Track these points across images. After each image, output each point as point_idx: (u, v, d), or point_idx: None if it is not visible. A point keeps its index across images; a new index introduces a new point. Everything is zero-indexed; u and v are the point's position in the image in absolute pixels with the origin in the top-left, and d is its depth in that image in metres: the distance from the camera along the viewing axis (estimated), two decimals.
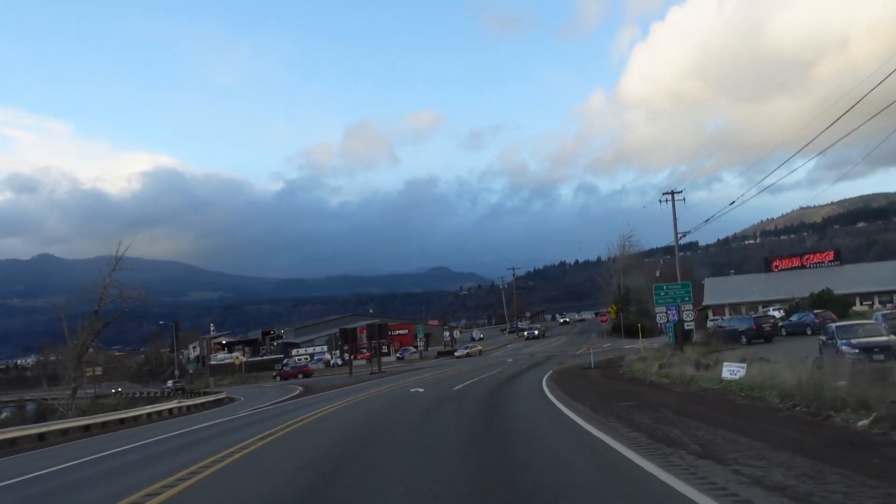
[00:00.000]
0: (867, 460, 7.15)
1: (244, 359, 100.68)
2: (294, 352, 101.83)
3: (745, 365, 17.70)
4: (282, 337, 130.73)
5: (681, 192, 53.02)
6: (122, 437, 21.20)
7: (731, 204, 40.22)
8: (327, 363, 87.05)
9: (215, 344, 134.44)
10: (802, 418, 11.48)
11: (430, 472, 8.55)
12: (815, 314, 43.80)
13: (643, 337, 77.00)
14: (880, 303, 70.96)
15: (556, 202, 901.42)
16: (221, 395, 47.94)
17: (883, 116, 19.40)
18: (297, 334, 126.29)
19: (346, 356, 73.49)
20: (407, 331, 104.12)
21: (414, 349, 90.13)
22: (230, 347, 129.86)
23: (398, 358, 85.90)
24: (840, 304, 50.73)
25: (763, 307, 70.59)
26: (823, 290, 53.32)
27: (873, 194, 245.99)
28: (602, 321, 61.36)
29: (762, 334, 41.66)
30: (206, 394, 54.75)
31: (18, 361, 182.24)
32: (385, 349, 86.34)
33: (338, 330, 78.65)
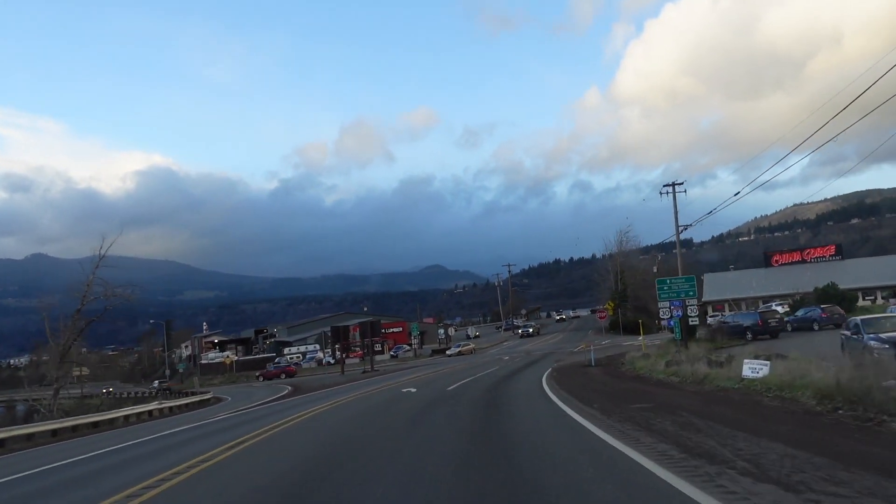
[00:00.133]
0: None
1: (235, 358, 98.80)
2: (286, 350, 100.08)
3: (768, 362, 16.12)
4: (275, 336, 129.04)
5: (682, 183, 51.56)
6: (84, 445, 19.53)
7: (736, 195, 38.82)
8: (320, 362, 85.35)
9: (206, 343, 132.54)
10: (850, 424, 9.88)
11: (419, 496, 6.91)
12: (822, 309, 42.29)
13: (639, 334, 75.85)
14: (883, 298, 69.67)
15: (551, 200, 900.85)
16: (207, 396, 46.21)
17: (876, 113, 19.21)
18: (290, 333, 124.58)
19: (339, 354, 71.78)
20: (401, 329, 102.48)
21: (408, 347, 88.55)
22: (222, 346, 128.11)
23: (392, 356, 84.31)
24: (845, 299, 49.26)
25: (763, 302, 69.20)
26: (828, 285, 51.88)
27: (867, 191, 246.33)
28: (600, 317, 59.88)
29: (768, 330, 40.15)
30: (192, 394, 52.98)
31: (12, 361, 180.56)
32: (379, 347, 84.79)
33: (329, 328, 76.76)
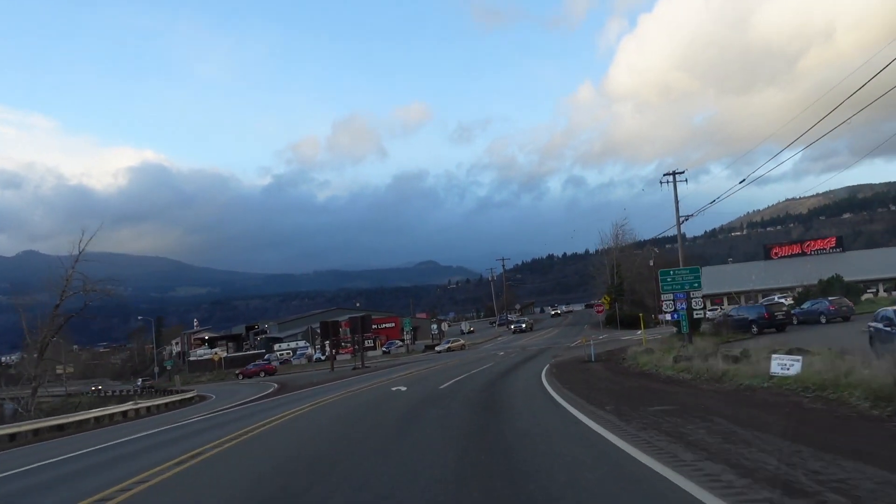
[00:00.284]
0: None
1: (224, 354, 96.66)
2: (276, 347, 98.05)
3: (799, 358, 14.34)
4: (266, 332, 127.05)
5: (682, 172, 49.86)
6: (34, 453, 17.54)
7: (742, 182, 37.13)
8: (310, 358, 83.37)
9: (196, 339, 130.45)
10: None
11: None
12: (830, 301, 40.64)
13: (637, 328, 74.20)
14: (885, 290, 68.28)
15: (545, 195, 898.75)
16: (190, 395, 44.24)
17: (868, 108, 19.11)
18: (280, 329, 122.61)
19: (329, 351, 69.84)
20: (394, 324, 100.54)
21: (400, 343, 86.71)
22: (213, 343, 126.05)
23: (384, 352, 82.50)
24: (851, 291, 47.69)
25: (763, 296, 67.71)
26: (833, 277, 50.32)
27: (858, 185, 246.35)
28: (598, 311, 58.07)
29: (774, 323, 38.57)
30: (174, 392, 51.03)
31: (3, 359, 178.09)
32: (371, 343, 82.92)
33: (318, 324, 74.78)
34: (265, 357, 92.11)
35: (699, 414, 11.01)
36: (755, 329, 38.70)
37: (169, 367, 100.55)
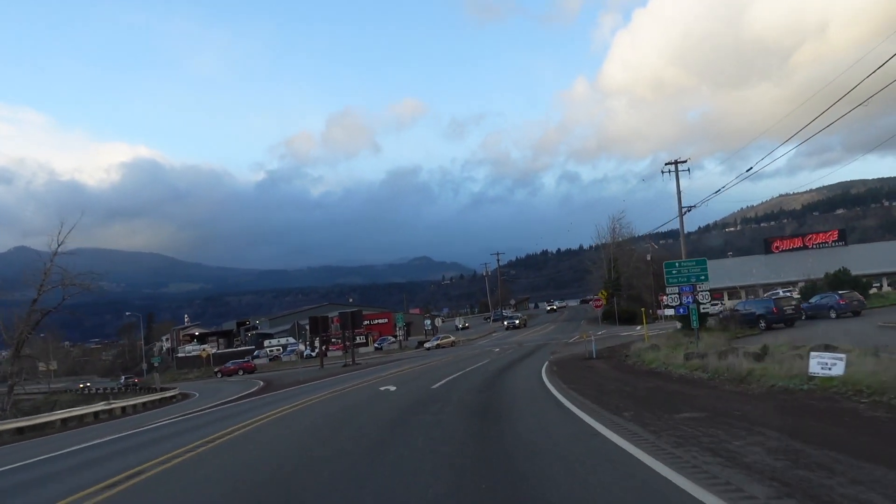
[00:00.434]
0: None
1: (212, 351, 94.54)
2: (266, 343, 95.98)
3: (843, 356, 12.50)
4: (257, 328, 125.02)
5: (685, 161, 48.04)
6: None
7: (748, 170, 35.37)
8: (301, 355, 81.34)
9: (186, 336, 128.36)
10: None
11: None
12: (841, 295, 38.95)
13: (636, 323, 72.51)
14: (889, 285, 66.77)
15: (539, 191, 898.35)
16: (171, 393, 42.23)
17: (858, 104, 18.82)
18: (272, 325, 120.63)
19: (319, 347, 67.83)
20: (386, 320, 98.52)
21: (393, 339, 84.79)
22: (203, 339, 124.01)
23: (377, 348, 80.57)
24: (858, 285, 45.96)
25: (764, 290, 66.13)
26: (839, 270, 48.58)
27: (851, 181, 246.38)
28: (596, 306, 56.26)
29: (783, 318, 36.82)
30: (157, 390, 49.02)
31: None
32: (363, 339, 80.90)
33: (308, 319, 72.64)
34: (255, 353, 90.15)
35: (739, 423, 9.16)
36: (763, 324, 37.02)
37: (156, 364, 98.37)
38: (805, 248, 74.40)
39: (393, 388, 22.18)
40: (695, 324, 26.44)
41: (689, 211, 48.26)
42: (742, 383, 15.00)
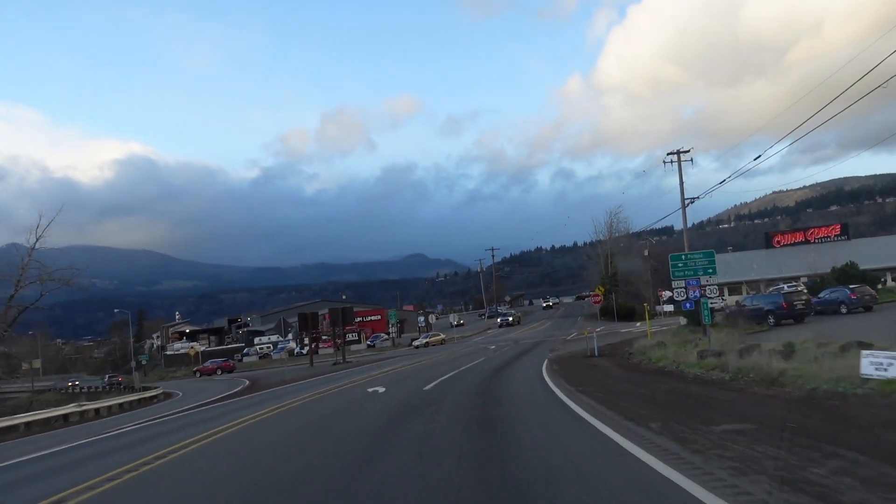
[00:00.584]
0: None
1: (201, 348, 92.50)
2: (257, 340, 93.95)
3: None
4: (248, 325, 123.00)
5: (688, 151, 46.40)
6: None
7: (756, 158, 33.73)
8: (291, 352, 79.40)
9: (175, 333, 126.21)
10: None
11: None
12: (852, 290, 37.30)
13: (635, 320, 70.88)
14: (893, 280, 65.32)
15: (533, 188, 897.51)
16: (153, 393, 40.31)
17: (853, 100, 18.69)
18: (263, 322, 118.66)
19: (309, 345, 65.95)
20: (379, 317, 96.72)
21: (386, 336, 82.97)
22: (194, 336, 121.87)
23: (369, 345, 78.68)
24: (867, 279, 44.38)
25: (766, 285, 64.56)
26: (847, 264, 46.99)
27: (845, 178, 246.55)
28: (595, 302, 54.73)
29: (793, 313, 35.16)
30: (141, 389, 47.13)
31: None
32: (356, 336, 79.04)
33: (297, 315, 70.66)
34: (244, 351, 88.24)
35: (802, 440, 7.37)
36: (772, 320, 35.33)
37: (144, 362, 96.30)
38: (807, 242, 72.85)
39: (382, 390, 20.37)
40: (707, 319, 24.73)
41: (691, 203, 46.75)
42: (773, 385, 13.24)
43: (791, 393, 12.01)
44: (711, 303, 29.56)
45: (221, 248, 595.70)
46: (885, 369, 10.61)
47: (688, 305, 31.28)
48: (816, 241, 72.43)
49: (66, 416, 27.65)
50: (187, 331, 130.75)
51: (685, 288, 29.28)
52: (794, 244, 73.44)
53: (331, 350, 70.28)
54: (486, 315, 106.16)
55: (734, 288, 70.29)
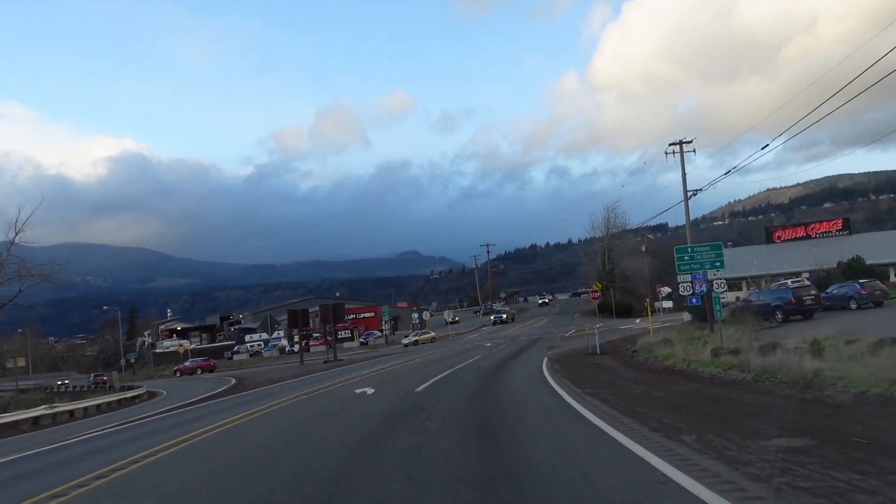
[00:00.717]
0: None
1: (191, 346, 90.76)
2: (247, 338, 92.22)
3: None
4: (240, 322, 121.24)
5: (690, 141, 44.85)
6: None
7: (764, 147, 32.28)
8: (282, 350, 77.75)
9: (165, 330, 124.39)
10: None
11: None
12: (862, 285, 35.95)
13: (633, 316, 69.53)
14: None
15: (528, 185, 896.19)
16: (133, 394, 38.62)
17: (847, 97, 18.38)
18: (255, 319, 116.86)
19: (300, 342, 64.36)
20: (373, 314, 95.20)
21: (379, 333, 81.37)
22: (185, 334, 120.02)
23: (362, 343, 77.09)
24: (874, 274, 43.07)
25: (767, 281, 63.28)
26: (854, 259, 45.70)
27: (839, 175, 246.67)
28: (593, 298, 53.23)
29: (802, 309, 33.85)
30: (122, 389, 45.45)
31: None
32: (348, 334, 77.40)
33: (286, 313, 68.94)
34: (235, 349, 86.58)
35: (889, 464, 5.84)
36: (780, 316, 33.99)
37: (133, 360, 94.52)
38: (808, 237, 71.59)
39: (370, 391, 18.81)
40: (718, 315, 23.27)
41: (694, 195, 45.16)
42: (809, 388, 11.72)
43: (834, 397, 10.50)
44: (721, 297, 28.16)
45: (215, 246, 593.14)
46: None
47: (694, 301, 29.86)
48: (818, 235, 71.19)
49: (36, 419, 25.96)
50: (178, 328, 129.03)
51: (691, 282, 27.85)
52: (795, 239, 72.19)
53: (323, 348, 68.70)
54: (482, 312, 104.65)
55: (734, 283, 68.96)
